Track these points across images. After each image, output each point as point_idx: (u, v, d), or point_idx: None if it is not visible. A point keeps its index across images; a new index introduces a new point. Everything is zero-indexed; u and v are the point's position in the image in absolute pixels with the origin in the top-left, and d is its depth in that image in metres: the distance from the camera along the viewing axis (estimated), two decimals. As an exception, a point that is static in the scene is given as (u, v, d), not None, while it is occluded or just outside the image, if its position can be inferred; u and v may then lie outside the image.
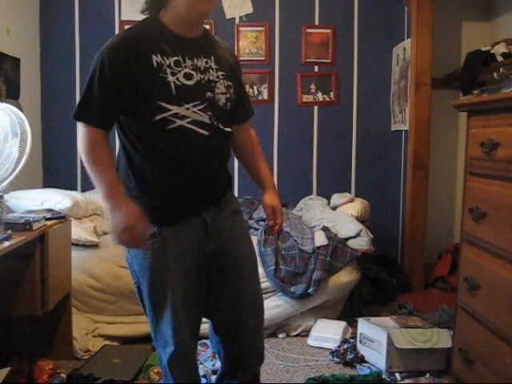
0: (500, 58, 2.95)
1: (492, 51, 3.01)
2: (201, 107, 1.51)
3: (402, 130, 3.69)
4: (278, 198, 1.80)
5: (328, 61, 3.91)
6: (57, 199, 2.67)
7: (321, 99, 3.93)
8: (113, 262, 2.65)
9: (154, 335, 1.62)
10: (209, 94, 1.53)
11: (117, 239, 1.45)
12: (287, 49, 3.89)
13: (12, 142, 2.07)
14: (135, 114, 1.49)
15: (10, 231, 1.98)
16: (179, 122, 1.48)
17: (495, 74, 2.77)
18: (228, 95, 1.59)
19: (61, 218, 2.38)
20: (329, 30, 3.88)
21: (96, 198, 3.06)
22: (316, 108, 3.94)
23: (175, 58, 1.49)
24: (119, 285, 2.62)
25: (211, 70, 1.55)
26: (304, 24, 3.87)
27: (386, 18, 3.89)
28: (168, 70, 1.47)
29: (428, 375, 2.30)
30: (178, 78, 1.48)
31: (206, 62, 1.55)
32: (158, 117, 1.46)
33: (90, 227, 2.79)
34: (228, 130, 1.62)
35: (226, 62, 1.63)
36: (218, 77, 1.56)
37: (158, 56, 1.47)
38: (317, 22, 3.90)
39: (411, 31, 3.39)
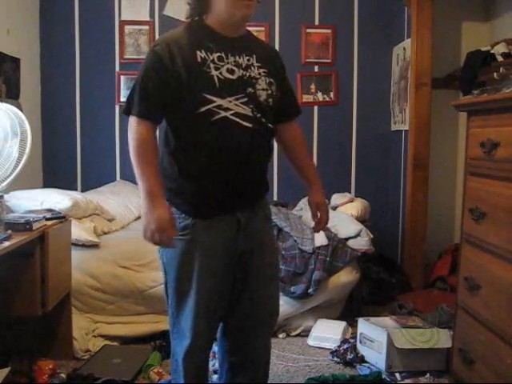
0: (500, 58, 2.94)
1: (492, 51, 3.01)
2: (243, 100, 1.55)
3: (402, 130, 3.69)
4: (323, 195, 1.84)
5: (328, 61, 3.91)
6: (57, 199, 2.67)
7: (321, 99, 3.93)
8: (113, 262, 2.65)
9: (171, 327, 1.64)
10: (250, 89, 1.57)
11: (146, 236, 1.52)
12: (287, 49, 3.88)
13: (12, 141, 2.07)
14: (181, 106, 1.54)
15: (9, 231, 1.98)
16: (223, 114, 1.52)
17: (495, 74, 2.76)
18: (269, 91, 1.62)
19: (61, 218, 2.38)
20: (329, 30, 3.88)
21: (96, 197, 3.06)
22: (316, 108, 3.94)
23: (218, 54, 1.55)
24: (119, 285, 2.62)
25: (252, 67, 1.60)
26: (304, 24, 3.87)
27: (385, 18, 3.89)
28: (211, 65, 1.53)
29: (428, 375, 2.30)
30: (221, 73, 1.53)
31: (248, 60, 1.60)
32: (203, 108, 1.51)
33: (90, 227, 2.79)
34: (270, 125, 1.64)
35: (269, 61, 1.67)
36: (259, 74, 1.61)
37: (202, 52, 1.53)
38: (317, 22, 3.90)
39: (411, 31, 3.38)
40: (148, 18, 3.79)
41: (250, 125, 1.56)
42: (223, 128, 1.53)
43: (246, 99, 1.55)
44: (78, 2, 3.77)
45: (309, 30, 3.88)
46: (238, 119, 1.54)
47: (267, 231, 1.75)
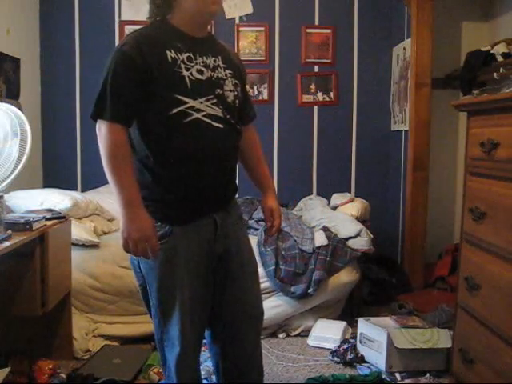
0: (500, 58, 2.95)
1: (492, 51, 3.01)
2: (213, 102, 1.54)
3: (401, 130, 3.69)
4: (277, 201, 1.82)
5: (328, 61, 3.91)
6: (57, 199, 2.67)
7: (321, 99, 3.93)
8: (113, 262, 2.65)
9: (159, 336, 1.62)
10: (218, 90, 1.56)
11: (128, 248, 1.48)
12: (287, 49, 3.89)
13: (12, 141, 2.07)
14: (151, 108, 1.50)
15: (9, 231, 1.98)
16: (195, 115, 1.50)
17: (495, 74, 2.77)
18: (236, 93, 1.62)
19: (61, 218, 2.38)
20: (329, 30, 3.88)
21: (96, 197, 3.06)
22: (316, 108, 3.94)
23: (187, 55, 1.53)
24: (119, 285, 2.62)
25: (219, 68, 1.59)
26: (304, 24, 3.87)
27: (386, 18, 3.90)
28: (182, 65, 1.51)
29: (428, 375, 2.30)
30: (191, 73, 1.51)
31: (215, 61, 1.59)
32: (175, 110, 1.49)
33: (90, 227, 2.79)
34: (238, 126, 1.65)
35: (233, 62, 1.66)
36: (226, 75, 1.60)
37: (172, 51, 1.50)
38: (317, 22, 3.90)
39: (411, 31, 3.39)
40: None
41: (220, 125, 1.55)
42: (195, 130, 1.51)
43: (215, 100, 1.54)
44: (78, 2, 3.77)
45: (309, 30, 3.87)
46: (209, 120, 1.52)
47: (242, 230, 1.74)
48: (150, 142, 1.53)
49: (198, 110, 1.51)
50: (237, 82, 1.64)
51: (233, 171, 1.68)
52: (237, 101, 1.62)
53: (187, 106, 1.49)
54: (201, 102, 1.51)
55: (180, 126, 1.50)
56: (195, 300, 1.57)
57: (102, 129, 1.47)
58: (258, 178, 1.82)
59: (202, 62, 1.55)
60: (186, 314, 1.55)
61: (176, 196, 1.55)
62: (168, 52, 1.50)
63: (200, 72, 1.53)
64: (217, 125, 1.54)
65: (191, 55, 1.53)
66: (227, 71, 1.61)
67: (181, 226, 1.54)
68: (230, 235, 1.64)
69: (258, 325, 1.75)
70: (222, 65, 1.60)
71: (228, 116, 1.58)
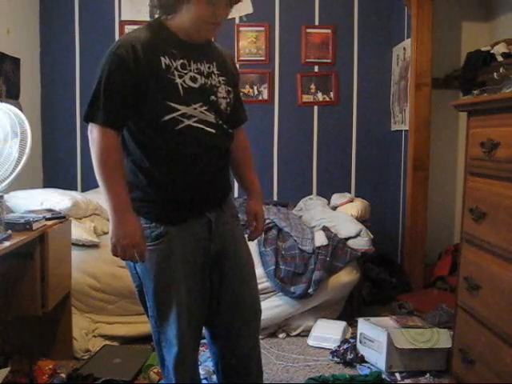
0: (500, 58, 2.95)
1: (492, 51, 3.01)
2: (206, 108, 1.55)
3: (401, 130, 3.69)
4: (261, 204, 1.84)
5: (328, 61, 3.91)
6: (57, 199, 2.67)
7: (321, 99, 3.93)
8: (113, 262, 2.64)
9: (157, 336, 1.62)
10: (212, 97, 1.57)
11: (116, 252, 1.50)
12: (287, 49, 3.89)
13: (12, 141, 2.07)
14: (144, 114, 1.50)
15: (9, 231, 1.98)
16: (187, 122, 1.51)
17: (495, 73, 2.77)
18: (228, 100, 1.63)
19: (61, 218, 2.38)
20: (329, 30, 3.88)
21: (96, 197, 3.06)
22: (316, 108, 3.94)
23: (181, 61, 1.53)
24: (119, 285, 2.62)
25: (213, 75, 1.60)
26: (304, 24, 3.87)
27: (385, 18, 3.90)
28: (176, 73, 1.51)
29: (428, 375, 2.31)
30: (184, 81, 1.51)
31: (209, 68, 1.59)
32: (167, 117, 1.49)
33: (90, 227, 2.79)
34: (231, 131, 1.65)
35: (227, 69, 1.67)
36: (219, 82, 1.61)
37: (166, 58, 1.50)
38: (317, 22, 3.90)
39: (411, 31, 3.39)
40: (148, 18, 3.79)
41: (213, 130, 1.56)
42: (188, 136, 1.51)
43: (207, 107, 1.55)
44: (78, 2, 3.77)
45: (309, 30, 3.87)
46: (201, 125, 1.53)
47: (238, 229, 1.75)
48: (143, 145, 1.54)
49: (190, 117, 1.51)
50: (230, 89, 1.64)
51: (226, 172, 1.68)
52: (229, 108, 1.63)
53: (179, 113, 1.50)
54: (194, 109, 1.52)
55: (172, 133, 1.50)
56: (192, 300, 1.58)
57: (93, 132, 1.47)
58: (244, 181, 1.83)
59: (196, 69, 1.55)
60: (183, 314, 1.56)
61: (170, 197, 1.55)
62: (162, 58, 1.50)
63: (193, 79, 1.53)
64: (209, 130, 1.55)
65: (185, 62, 1.53)
66: (221, 78, 1.62)
67: (175, 227, 1.55)
68: (226, 234, 1.65)
69: (255, 323, 1.75)
70: (216, 71, 1.61)
71: (220, 122, 1.59)
